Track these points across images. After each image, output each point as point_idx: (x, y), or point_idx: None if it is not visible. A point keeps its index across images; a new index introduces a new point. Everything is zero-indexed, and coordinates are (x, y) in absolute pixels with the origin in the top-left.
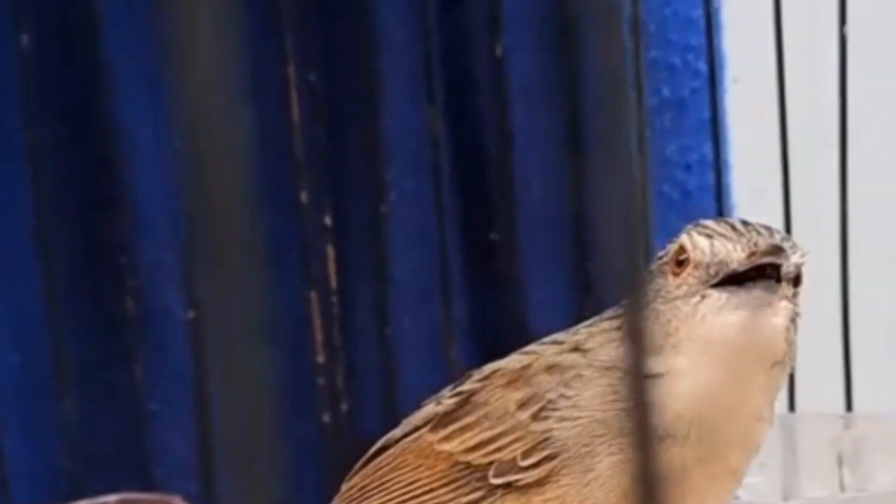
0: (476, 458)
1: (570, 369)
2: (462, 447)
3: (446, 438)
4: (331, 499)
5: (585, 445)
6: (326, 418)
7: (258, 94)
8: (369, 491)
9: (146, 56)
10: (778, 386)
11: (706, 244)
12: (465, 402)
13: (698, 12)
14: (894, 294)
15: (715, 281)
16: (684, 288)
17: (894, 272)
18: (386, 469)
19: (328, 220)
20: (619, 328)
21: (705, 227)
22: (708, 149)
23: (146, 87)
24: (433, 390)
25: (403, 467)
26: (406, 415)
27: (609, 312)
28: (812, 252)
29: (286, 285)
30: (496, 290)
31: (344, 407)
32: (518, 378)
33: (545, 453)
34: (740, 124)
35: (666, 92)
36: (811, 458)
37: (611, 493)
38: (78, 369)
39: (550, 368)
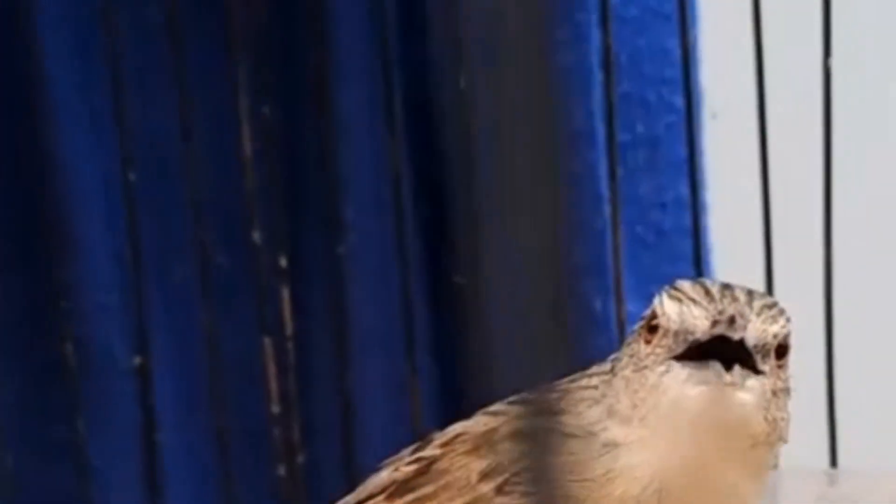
0: None
1: (533, 437)
2: None
3: None
4: None
5: None
6: (281, 472)
7: (208, 127)
8: None
9: (90, 90)
10: (762, 464)
11: (675, 310)
12: (426, 469)
13: (674, 43)
14: (881, 342)
15: (679, 351)
16: (652, 357)
17: (881, 320)
18: None
19: (283, 262)
20: (595, 387)
21: (678, 290)
22: (684, 188)
23: (91, 121)
24: (396, 444)
25: None
26: (367, 470)
27: (582, 375)
28: (794, 301)
29: (238, 330)
30: (462, 338)
31: (300, 460)
32: (482, 445)
33: None
34: (718, 163)
35: (639, 128)
36: None
37: None
38: (15, 422)
39: (517, 435)
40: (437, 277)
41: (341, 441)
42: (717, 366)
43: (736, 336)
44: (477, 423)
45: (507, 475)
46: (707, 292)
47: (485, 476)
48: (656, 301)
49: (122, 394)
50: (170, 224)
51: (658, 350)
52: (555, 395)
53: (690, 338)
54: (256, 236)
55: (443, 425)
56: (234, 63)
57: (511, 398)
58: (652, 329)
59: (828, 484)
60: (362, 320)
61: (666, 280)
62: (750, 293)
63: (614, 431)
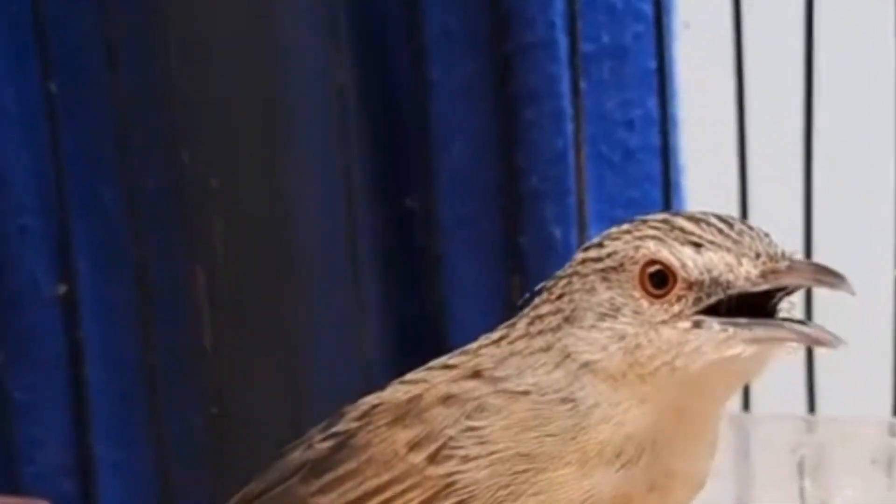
0: None
1: (471, 399)
2: (343, 500)
3: (322, 490)
4: (214, 498)
5: (504, 487)
6: (214, 410)
7: (132, 40)
8: None
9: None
10: None
11: (695, 257)
12: (342, 445)
13: None
14: (861, 275)
15: (709, 303)
16: (663, 311)
17: (861, 246)
18: None
19: (215, 184)
20: (543, 349)
21: (683, 230)
22: (653, 103)
23: (9, 28)
24: (343, 380)
25: None
26: (311, 411)
27: (512, 330)
28: (771, 225)
29: (167, 258)
30: (412, 267)
31: (234, 399)
32: (405, 413)
33: (450, 502)
34: (690, 76)
35: (605, 38)
36: (768, 465)
37: None
38: None
39: (447, 399)
40: (385, 202)
41: (283, 376)
42: (771, 325)
43: (784, 283)
44: (395, 393)
45: (441, 442)
46: (720, 230)
47: (414, 446)
48: (653, 247)
49: (46, 324)
50: (94, 143)
51: (674, 304)
52: (484, 359)
53: (728, 289)
54: (185, 156)
55: (392, 357)
56: None
57: (424, 367)
58: (655, 279)
59: (805, 431)
60: (305, 248)
61: (633, 204)
62: (752, 227)
63: (596, 389)
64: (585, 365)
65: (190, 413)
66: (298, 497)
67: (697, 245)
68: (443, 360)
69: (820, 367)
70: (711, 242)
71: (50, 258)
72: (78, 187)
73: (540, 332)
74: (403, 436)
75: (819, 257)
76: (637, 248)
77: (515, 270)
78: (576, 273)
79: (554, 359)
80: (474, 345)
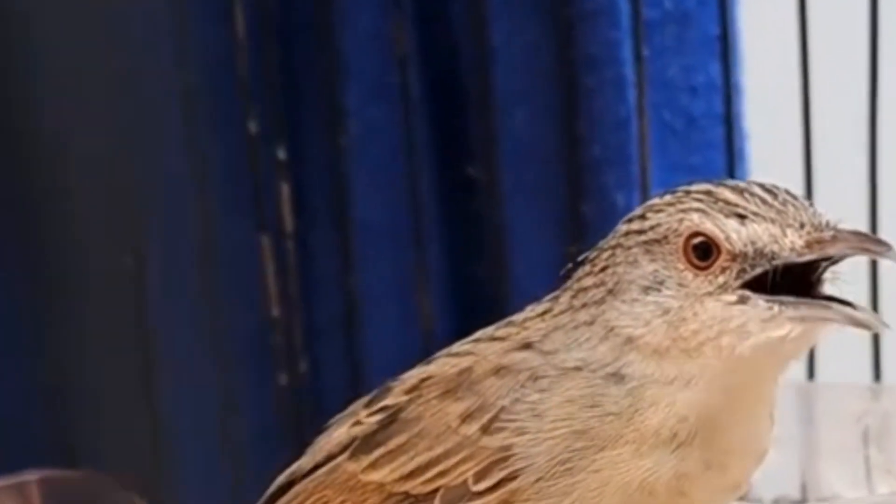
0: (415, 486)
1: (524, 370)
2: (395, 475)
3: (373, 466)
4: (284, 469)
5: (562, 463)
6: (283, 380)
7: (197, 8)
8: None
9: None
10: None
11: (739, 228)
12: (391, 420)
13: None
14: None
15: (753, 275)
16: (707, 283)
17: None
18: None
19: (281, 154)
20: (587, 323)
21: (727, 201)
22: (716, 70)
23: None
24: (405, 348)
25: None
26: (374, 378)
27: (556, 303)
28: (837, 194)
29: (234, 229)
30: (474, 234)
31: (302, 367)
32: (457, 386)
33: (504, 473)
34: (754, 41)
35: (668, 4)
36: (833, 434)
37: None
38: None
39: (499, 371)
40: (447, 170)
41: (346, 346)
42: (819, 304)
43: (830, 253)
44: (443, 366)
45: (493, 412)
46: (763, 200)
47: (467, 418)
48: (697, 219)
49: (114, 297)
50: (160, 114)
51: (718, 276)
52: (531, 331)
53: (773, 260)
54: (252, 126)
55: (454, 325)
56: None
57: (470, 339)
58: (699, 251)
59: (871, 399)
60: (367, 216)
61: (696, 171)
62: (796, 196)
63: (642, 365)
64: (629, 340)
65: (258, 382)
66: (349, 474)
67: (742, 216)
68: (489, 331)
69: (885, 335)
70: (755, 213)
71: (117, 229)
72: (143, 159)
73: (584, 306)
74: (456, 408)
75: (884, 222)
76: (681, 221)
77: (577, 238)
78: (619, 245)
79: (598, 333)
80: (520, 316)
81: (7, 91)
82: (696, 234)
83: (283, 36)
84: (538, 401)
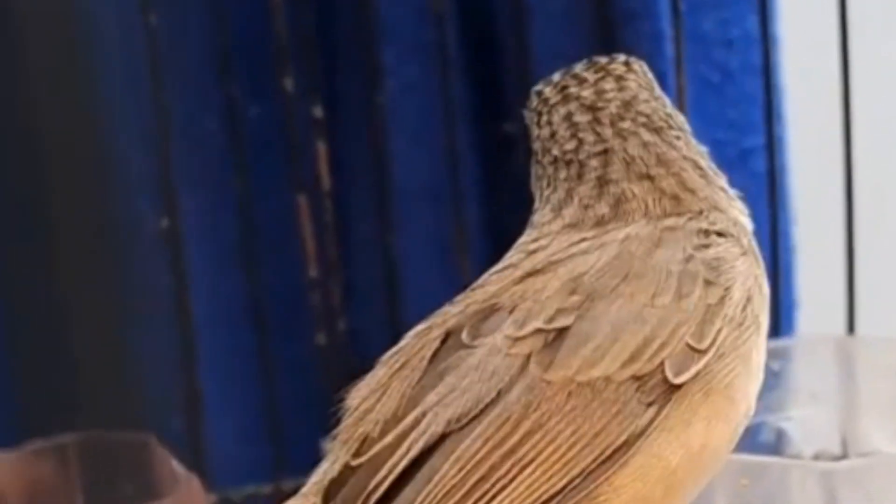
0: (640, 367)
1: (686, 230)
2: (616, 365)
3: (588, 364)
4: (324, 431)
5: (748, 301)
6: (321, 340)
7: None
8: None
9: None
10: None
11: None
12: (574, 322)
13: None
14: None
15: None
16: None
17: None
18: (507, 454)
19: (318, 112)
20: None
21: None
22: (753, 22)
23: None
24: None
25: (544, 434)
26: None
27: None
28: (876, 143)
29: (270, 188)
30: (514, 191)
31: (341, 327)
32: (627, 272)
33: (718, 325)
34: None
35: None
36: (872, 389)
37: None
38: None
39: (660, 242)
40: (485, 127)
41: (385, 305)
42: None
43: None
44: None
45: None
46: None
47: (655, 294)
48: None
49: (150, 257)
50: (195, 73)
51: None
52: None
53: None
54: (288, 84)
55: None
56: None
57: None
58: None
59: None
60: (405, 175)
61: (733, 125)
62: None
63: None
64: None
65: (296, 342)
66: (558, 384)
67: None
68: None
69: None
70: None
71: (152, 191)
72: (178, 118)
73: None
74: (638, 287)
75: None
76: None
77: None
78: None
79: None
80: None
81: (47, 51)
82: None
83: None
84: (722, 251)
